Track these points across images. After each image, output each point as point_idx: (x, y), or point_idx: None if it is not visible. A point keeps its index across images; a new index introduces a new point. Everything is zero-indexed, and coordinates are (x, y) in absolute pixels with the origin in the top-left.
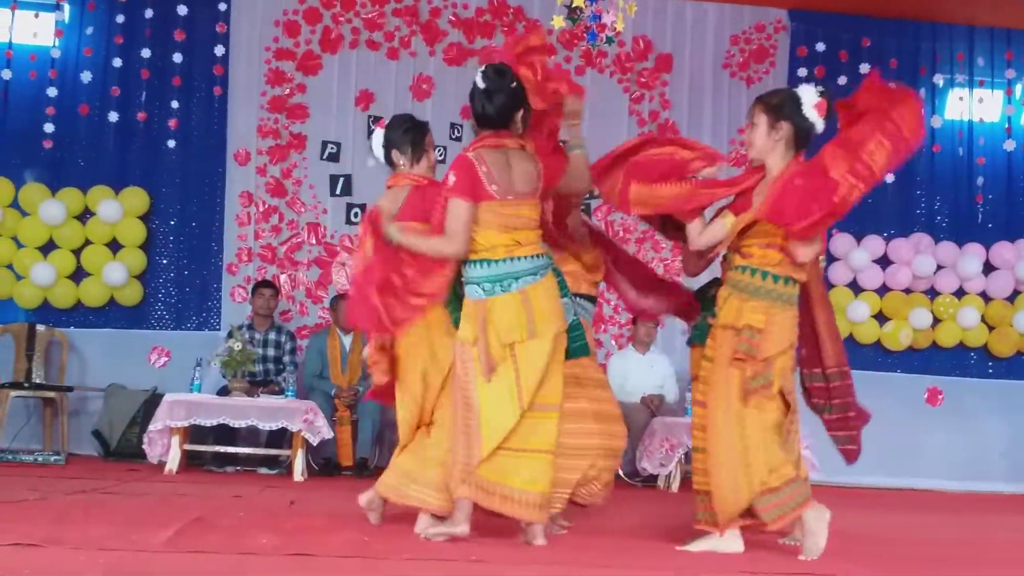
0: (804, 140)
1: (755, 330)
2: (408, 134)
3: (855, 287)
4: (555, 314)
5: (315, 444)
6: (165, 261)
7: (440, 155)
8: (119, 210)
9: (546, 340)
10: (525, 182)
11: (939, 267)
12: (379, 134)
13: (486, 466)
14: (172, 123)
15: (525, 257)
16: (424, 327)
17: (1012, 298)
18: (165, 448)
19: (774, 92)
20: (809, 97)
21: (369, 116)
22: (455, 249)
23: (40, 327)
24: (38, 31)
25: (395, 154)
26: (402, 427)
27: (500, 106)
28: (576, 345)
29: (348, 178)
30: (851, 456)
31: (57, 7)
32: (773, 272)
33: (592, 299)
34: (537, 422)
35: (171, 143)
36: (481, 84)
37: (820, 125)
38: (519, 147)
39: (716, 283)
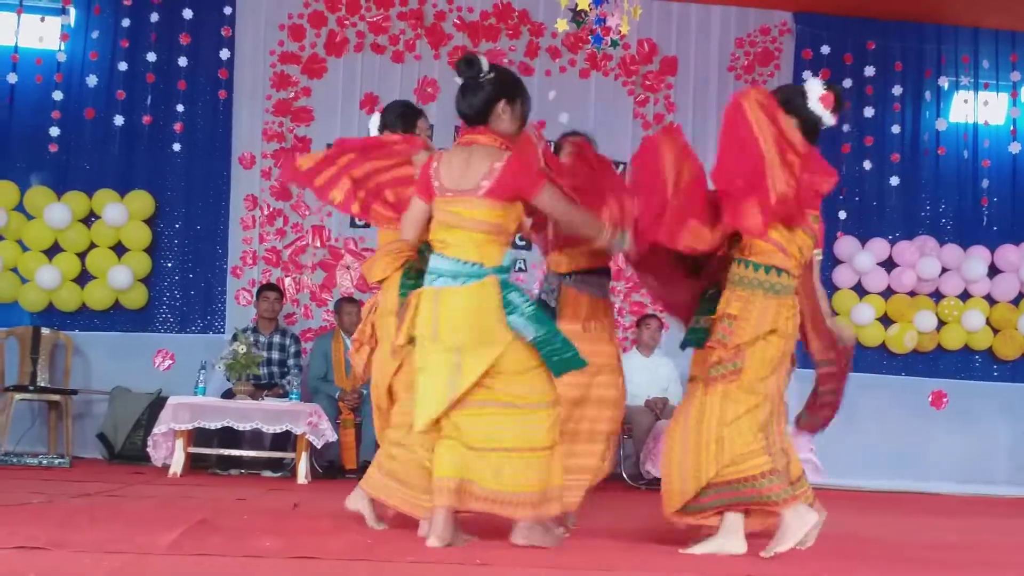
0: (812, 134)
1: (732, 318)
2: (401, 118)
3: (859, 290)
4: (467, 327)
5: (319, 447)
6: (170, 264)
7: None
8: (124, 213)
9: (447, 349)
10: (469, 179)
11: (944, 270)
12: (376, 118)
13: (438, 465)
14: (177, 127)
15: (448, 258)
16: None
17: (1017, 301)
18: (169, 451)
19: (780, 88)
20: (815, 90)
21: None
22: (404, 235)
23: (45, 330)
24: (44, 35)
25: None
26: (377, 430)
27: (471, 103)
28: (556, 360)
29: None
30: (809, 427)
31: (63, 11)
32: (755, 260)
33: (600, 271)
34: (502, 419)
35: (176, 147)
36: (458, 79)
37: (828, 118)
38: (496, 144)
39: (715, 285)
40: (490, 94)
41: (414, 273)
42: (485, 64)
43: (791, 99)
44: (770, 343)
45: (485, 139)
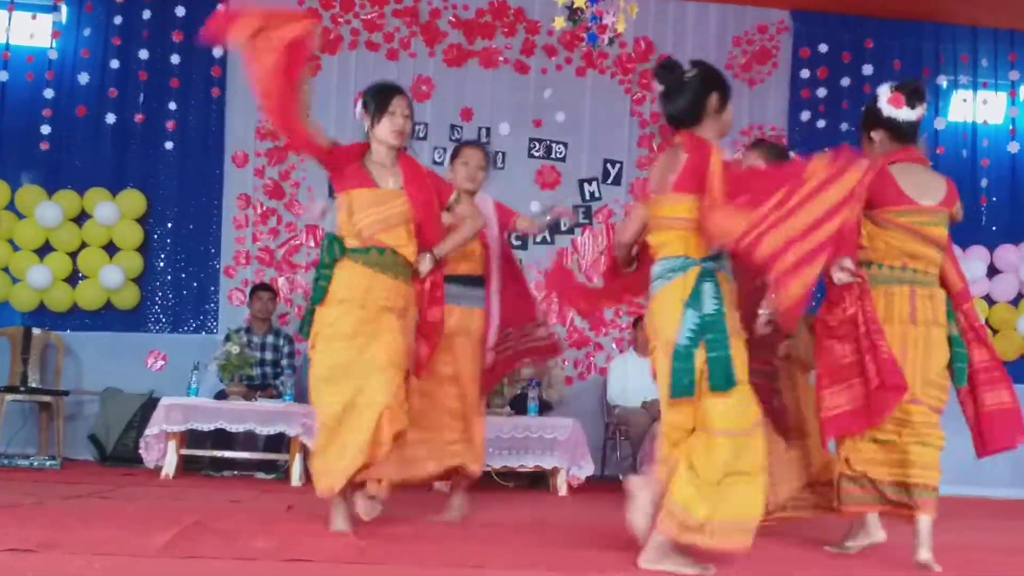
0: (904, 136)
1: None
2: (375, 97)
3: None
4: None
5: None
6: (162, 264)
7: (440, 156)
8: (116, 212)
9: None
10: (658, 179)
11: None
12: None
13: None
14: (170, 125)
15: (661, 259)
16: None
17: (1016, 301)
18: (162, 452)
19: (864, 108)
20: (883, 95)
21: None
22: (619, 236)
23: (36, 330)
24: (35, 32)
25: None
26: None
27: (678, 105)
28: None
29: None
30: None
31: (54, 8)
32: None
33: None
34: None
35: (168, 145)
36: (659, 87)
37: (908, 114)
38: (682, 141)
39: None
40: (697, 91)
41: None
42: (686, 64)
43: (869, 112)
44: None
45: (680, 138)
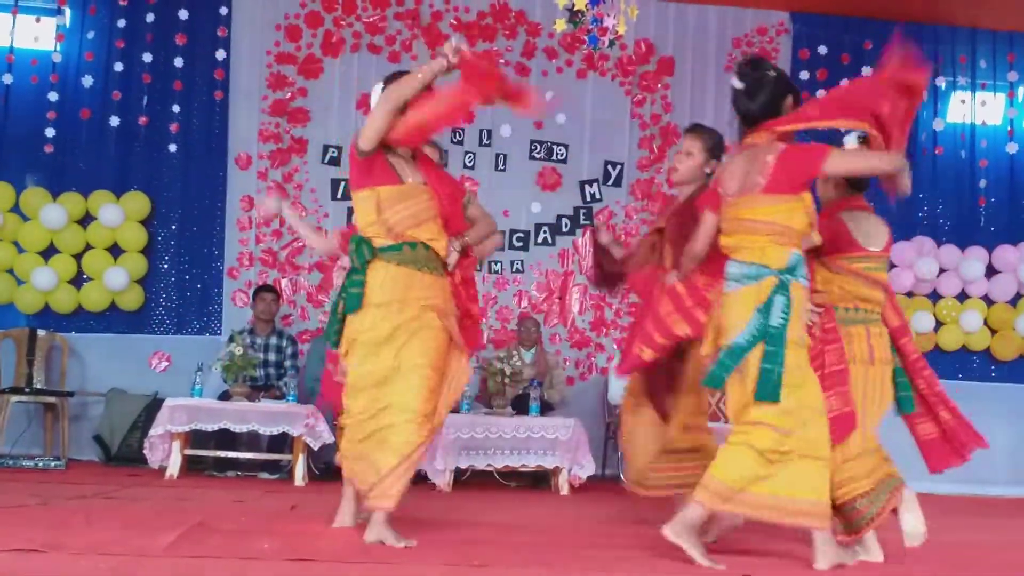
0: (855, 183)
1: None
2: None
3: None
4: (735, 329)
5: (316, 449)
6: (166, 266)
7: (443, 159)
8: (120, 214)
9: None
10: (741, 180)
11: (942, 270)
12: (379, 86)
13: None
14: (173, 127)
15: (735, 261)
16: None
17: (1015, 301)
18: (166, 453)
19: None
20: (848, 145)
21: None
22: (694, 248)
23: (41, 332)
24: (39, 35)
25: None
26: None
27: (761, 101)
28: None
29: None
30: None
31: (58, 11)
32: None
33: None
34: None
35: (172, 147)
36: (739, 84)
37: None
38: (767, 142)
39: None
40: (776, 91)
41: None
42: (768, 63)
43: None
44: None
45: (763, 138)
